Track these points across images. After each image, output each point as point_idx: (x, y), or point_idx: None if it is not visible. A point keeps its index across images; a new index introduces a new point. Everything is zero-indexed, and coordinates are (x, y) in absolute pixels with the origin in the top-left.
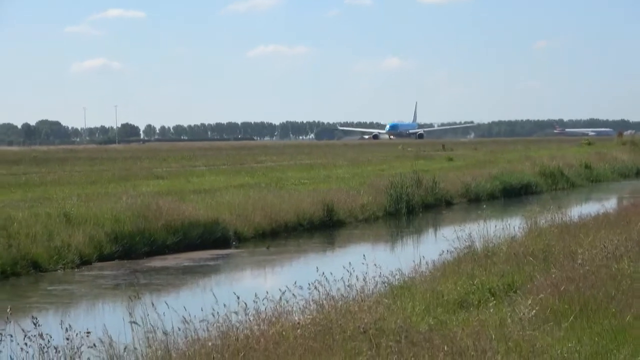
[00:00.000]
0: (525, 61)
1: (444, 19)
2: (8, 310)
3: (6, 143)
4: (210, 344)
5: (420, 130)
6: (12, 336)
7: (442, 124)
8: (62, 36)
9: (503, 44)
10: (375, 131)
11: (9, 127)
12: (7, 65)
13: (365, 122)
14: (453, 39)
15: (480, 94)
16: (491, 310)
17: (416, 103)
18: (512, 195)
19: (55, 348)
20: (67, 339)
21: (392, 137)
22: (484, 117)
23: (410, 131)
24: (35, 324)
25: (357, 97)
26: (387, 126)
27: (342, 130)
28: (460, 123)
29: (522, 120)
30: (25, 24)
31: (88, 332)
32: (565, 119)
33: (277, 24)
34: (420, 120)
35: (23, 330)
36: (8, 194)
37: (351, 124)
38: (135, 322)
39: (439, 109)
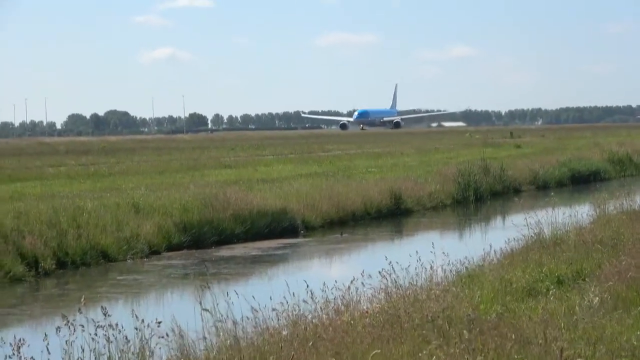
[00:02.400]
0: (594, 45)
1: (509, 4)
2: (81, 300)
3: (75, 133)
4: (279, 332)
5: (397, 118)
6: (83, 326)
7: (427, 110)
8: (131, 26)
9: (570, 27)
10: (344, 119)
11: (78, 118)
12: (76, 56)
13: (432, 110)
14: (519, 24)
15: (547, 80)
16: (559, 298)
17: (396, 85)
18: (580, 182)
19: (125, 337)
20: (136, 328)
21: (363, 126)
22: (551, 103)
23: (385, 119)
24: (105, 314)
25: (423, 85)
26: (356, 113)
27: (306, 118)
28: (439, 110)
29: (590, 107)
30: (94, 14)
31: (159, 322)
32: (634, 105)
33: (343, 12)
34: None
35: (93, 321)
36: (77, 185)
37: (407, 112)
38: (206, 310)
39: (505, 96)
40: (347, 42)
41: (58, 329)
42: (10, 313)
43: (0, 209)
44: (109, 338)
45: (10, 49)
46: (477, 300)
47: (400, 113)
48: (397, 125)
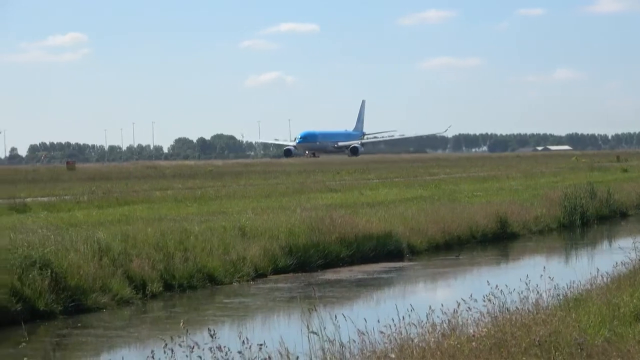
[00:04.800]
0: None
1: (617, 27)
2: (181, 324)
3: (182, 157)
4: (386, 355)
5: (356, 143)
6: (192, 348)
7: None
8: (237, 51)
9: None
10: (290, 144)
11: (184, 142)
12: (183, 81)
13: (539, 134)
14: (626, 47)
15: None
16: None
17: (363, 102)
18: None
19: None
20: (239, 352)
21: (310, 153)
22: None
23: (340, 143)
24: (212, 336)
25: (529, 109)
26: (298, 136)
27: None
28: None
29: None
30: (202, 39)
31: (260, 345)
32: None
33: (447, 36)
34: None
35: (196, 344)
36: (184, 208)
37: (517, 136)
38: (314, 332)
39: (611, 119)
40: (451, 65)
41: (162, 351)
42: (118, 335)
43: (108, 231)
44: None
45: (119, 73)
46: (584, 324)
47: (370, 136)
48: (354, 151)
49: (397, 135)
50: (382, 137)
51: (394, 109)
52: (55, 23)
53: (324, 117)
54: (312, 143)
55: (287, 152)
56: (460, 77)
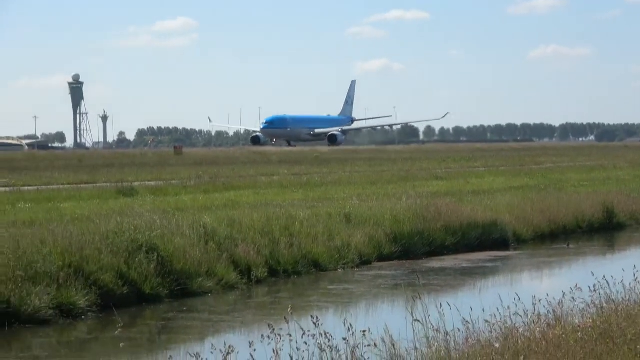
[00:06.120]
0: None
1: None
2: (289, 310)
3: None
4: (491, 345)
5: (335, 130)
6: (290, 335)
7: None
8: (345, 38)
9: None
10: (259, 131)
11: None
12: (289, 67)
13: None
14: None
15: None
16: None
17: (352, 82)
18: None
19: (333, 348)
20: (344, 339)
21: (276, 141)
22: None
23: (318, 130)
24: (315, 323)
25: (638, 99)
26: (263, 122)
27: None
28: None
29: None
30: (311, 27)
31: (364, 331)
32: None
33: (556, 25)
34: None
35: (302, 329)
36: (290, 194)
37: (625, 126)
38: (418, 321)
39: None
40: (560, 54)
41: (266, 337)
42: (223, 320)
43: (214, 216)
44: (321, 346)
45: (227, 59)
46: None
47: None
48: (332, 139)
49: (388, 122)
50: (379, 123)
51: (501, 97)
52: (164, 8)
53: (431, 105)
54: (280, 129)
55: (255, 140)
56: (568, 66)
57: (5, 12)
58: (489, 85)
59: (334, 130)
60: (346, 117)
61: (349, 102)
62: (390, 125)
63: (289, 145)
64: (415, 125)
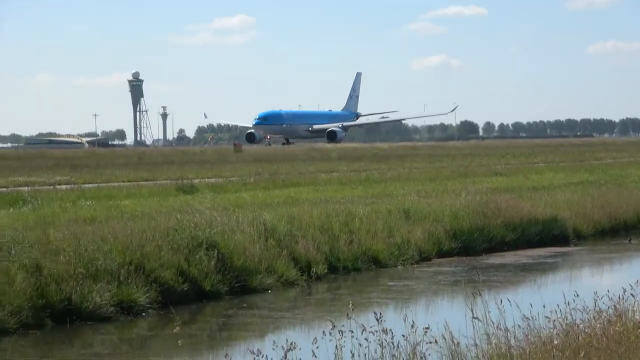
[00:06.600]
0: None
1: None
2: (350, 306)
3: (348, 140)
4: (551, 341)
5: (335, 126)
6: (352, 332)
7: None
8: (403, 34)
9: None
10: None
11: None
12: (346, 63)
13: None
14: None
15: None
16: None
17: (357, 75)
18: None
19: (394, 345)
20: (404, 335)
21: (270, 138)
22: None
23: (316, 126)
24: (378, 320)
25: None
26: (255, 117)
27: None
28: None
29: None
30: (373, 23)
31: (426, 328)
32: None
33: (616, 20)
34: None
35: (363, 326)
36: (349, 191)
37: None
38: (476, 318)
39: None
40: (619, 49)
41: (327, 333)
42: (283, 316)
43: (274, 213)
44: (381, 343)
45: (285, 55)
46: None
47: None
48: (331, 136)
49: (393, 116)
50: (383, 118)
51: (560, 92)
52: (223, 5)
53: (491, 101)
54: (275, 125)
55: (250, 137)
56: (628, 60)
57: (66, 10)
58: (548, 81)
59: (333, 126)
60: (350, 112)
61: (354, 96)
62: (398, 120)
63: (287, 142)
64: (475, 121)
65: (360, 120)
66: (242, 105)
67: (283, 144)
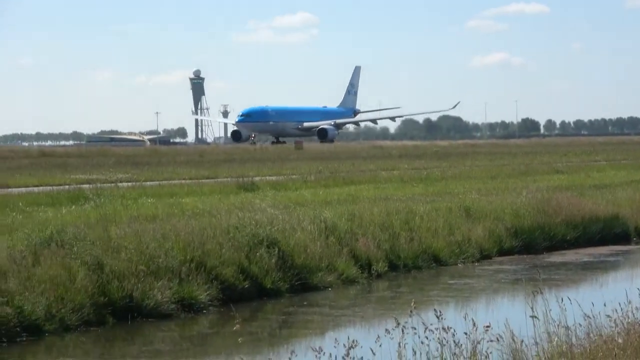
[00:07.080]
0: None
1: None
2: (412, 304)
3: (408, 137)
4: (613, 340)
5: (327, 124)
6: (415, 329)
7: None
8: (464, 31)
9: None
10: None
11: (411, 123)
12: (405, 61)
13: None
14: None
15: None
16: None
17: (356, 69)
18: None
19: (455, 342)
20: (465, 333)
21: (255, 137)
22: None
23: (306, 124)
24: (438, 317)
25: None
26: (239, 114)
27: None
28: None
29: None
30: (431, 20)
31: (487, 326)
32: None
33: None
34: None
35: (424, 324)
36: (409, 188)
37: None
38: (535, 317)
39: None
40: None
41: (390, 330)
42: (344, 314)
43: (334, 211)
44: (442, 341)
45: (346, 54)
46: None
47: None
48: (322, 135)
49: (398, 113)
50: (388, 114)
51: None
52: (284, 3)
53: (552, 99)
54: (260, 123)
55: (235, 135)
56: None
57: (127, 9)
58: (610, 78)
59: (325, 123)
60: (347, 108)
61: (352, 91)
62: (393, 118)
63: (277, 141)
64: (537, 119)
65: (358, 117)
66: (304, 104)
67: (273, 142)
